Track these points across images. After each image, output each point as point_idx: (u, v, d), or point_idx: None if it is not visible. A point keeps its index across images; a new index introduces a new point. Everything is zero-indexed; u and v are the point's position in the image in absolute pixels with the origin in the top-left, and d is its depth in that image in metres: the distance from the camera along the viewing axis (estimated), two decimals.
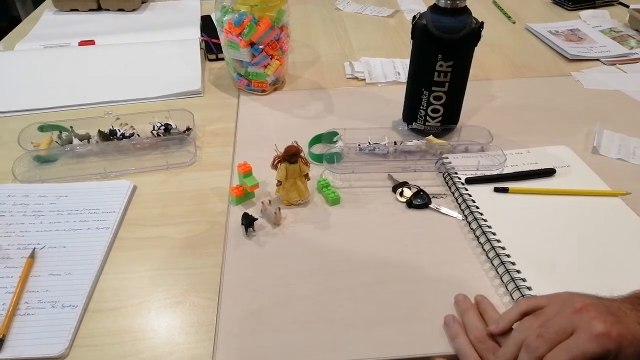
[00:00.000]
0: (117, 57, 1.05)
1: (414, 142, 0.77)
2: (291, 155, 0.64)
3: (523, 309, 0.49)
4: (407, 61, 0.77)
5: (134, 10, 1.30)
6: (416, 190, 0.69)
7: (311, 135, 0.79)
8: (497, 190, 0.69)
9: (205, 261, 0.60)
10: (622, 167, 0.75)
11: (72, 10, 1.29)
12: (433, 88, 0.74)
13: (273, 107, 0.91)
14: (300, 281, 0.58)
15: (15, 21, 1.29)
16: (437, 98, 0.75)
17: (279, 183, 0.66)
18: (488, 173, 0.72)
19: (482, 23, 0.71)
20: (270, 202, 0.65)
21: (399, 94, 0.82)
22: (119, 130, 0.79)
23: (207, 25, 1.17)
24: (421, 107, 0.77)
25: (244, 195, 0.68)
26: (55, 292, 0.56)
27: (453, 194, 0.70)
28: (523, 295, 0.54)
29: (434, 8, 0.70)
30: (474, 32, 0.70)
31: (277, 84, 0.97)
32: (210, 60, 1.07)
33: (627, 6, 1.28)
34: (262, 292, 0.57)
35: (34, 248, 0.61)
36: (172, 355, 0.50)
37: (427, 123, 0.78)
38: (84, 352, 0.51)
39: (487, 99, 0.92)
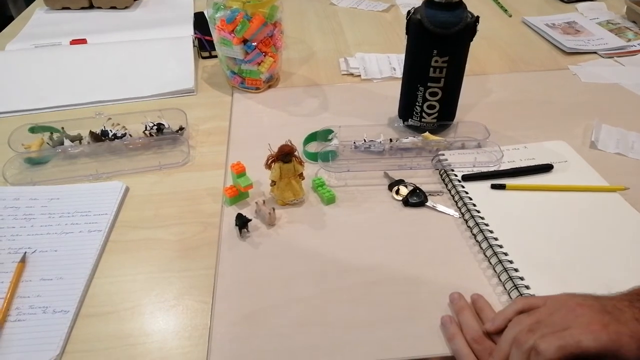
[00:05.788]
0: (109, 56, 1.04)
1: (409, 139, 0.76)
2: (285, 155, 0.63)
3: (519, 307, 0.48)
4: (403, 56, 0.76)
5: (126, 7, 1.28)
6: (412, 188, 0.68)
7: (306, 133, 0.78)
8: (494, 187, 0.68)
9: (198, 263, 0.60)
10: (621, 162, 0.74)
11: (63, 8, 1.27)
12: (429, 84, 0.73)
13: (267, 104, 0.90)
14: (296, 283, 0.57)
15: (9, 21, 1.28)
16: (433, 94, 0.74)
17: (273, 183, 0.65)
18: (485, 169, 0.71)
19: (478, 17, 0.70)
20: (264, 202, 0.65)
21: (395, 90, 0.81)
22: (111, 130, 0.78)
23: (200, 23, 1.15)
24: (417, 104, 0.76)
25: (237, 195, 0.67)
26: (46, 297, 0.55)
27: (450, 191, 0.69)
28: (521, 294, 0.53)
29: (429, 3, 0.69)
30: (470, 27, 0.69)
31: (271, 81, 0.96)
32: (203, 57, 1.06)
33: None
34: (256, 294, 0.56)
35: (25, 252, 0.60)
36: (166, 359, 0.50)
37: (423, 119, 0.77)
38: (76, 358, 0.50)
39: (484, 94, 0.91)
